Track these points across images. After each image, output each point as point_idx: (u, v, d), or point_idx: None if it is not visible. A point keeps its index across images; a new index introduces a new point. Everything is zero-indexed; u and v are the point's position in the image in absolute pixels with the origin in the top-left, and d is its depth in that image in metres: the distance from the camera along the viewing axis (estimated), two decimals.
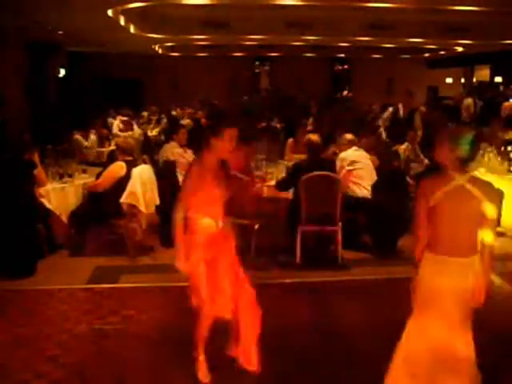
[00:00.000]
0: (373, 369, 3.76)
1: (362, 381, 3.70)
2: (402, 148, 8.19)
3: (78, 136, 10.67)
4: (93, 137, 10.93)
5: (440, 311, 2.98)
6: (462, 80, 19.72)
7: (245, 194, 5.84)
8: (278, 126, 14.41)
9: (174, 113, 14.70)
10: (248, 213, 5.82)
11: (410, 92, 9.92)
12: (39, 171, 6.03)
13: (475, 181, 2.93)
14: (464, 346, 2.98)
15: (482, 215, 2.89)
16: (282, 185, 6.17)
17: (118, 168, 6.14)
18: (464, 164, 2.90)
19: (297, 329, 4.48)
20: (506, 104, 13.41)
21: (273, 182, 6.49)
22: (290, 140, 8.80)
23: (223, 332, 3.82)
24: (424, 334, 3.03)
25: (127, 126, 12.03)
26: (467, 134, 2.89)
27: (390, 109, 9.57)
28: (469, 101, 14.92)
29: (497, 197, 3.00)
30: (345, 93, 20.36)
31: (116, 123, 12.21)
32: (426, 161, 7.88)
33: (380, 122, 9.53)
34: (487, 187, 2.94)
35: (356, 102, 18.27)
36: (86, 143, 10.62)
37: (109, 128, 11.85)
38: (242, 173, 5.82)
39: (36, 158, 6.04)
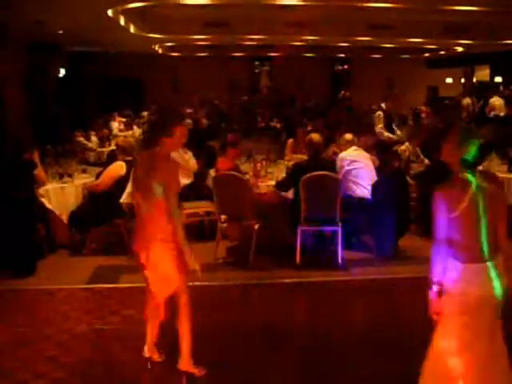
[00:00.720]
0: (373, 368, 3.77)
1: (362, 380, 3.70)
2: (402, 148, 8.19)
3: (80, 138, 10.71)
4: (94, 138, 10.96)
5: (474, 320, 2.78)
6: (462, 80, 19.72)
7: (245, 194, 5.85)
8: (278, 125, 14.43)
9: None
10: (248, 212, 5.82)
11: (392, 97, 10.08)
12: (39, 171, 6.03)
13: (485, 176, 2.80)
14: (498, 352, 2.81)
15: (500, 210, 2.78)
16: (282, 185, 6.17)
17: (118, 168, 6.15)
18: (471, 167, 2.76)
19: (296, 329, 4.48)
20: (492, 102, 13.42)
21: (273, 182, 6.50)
22: (291, 140, 8.80)
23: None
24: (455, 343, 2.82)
25: (127, 127, 12.07)
26: (478, 135, 2.78)
27: (381, 113, 9.55)
28: (468, 100, 14.95)
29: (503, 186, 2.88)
30: (341, 93, 20.31)
31: (115, 125, 12.26)
32: (427, 161, 7.88)
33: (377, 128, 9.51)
34: (495, 179, 2.84)
35: (354, 102, 18.28)
36: (89, 144, 10.65)
37: (109, 128, 11.88)
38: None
39: (36, 157, 6.04)
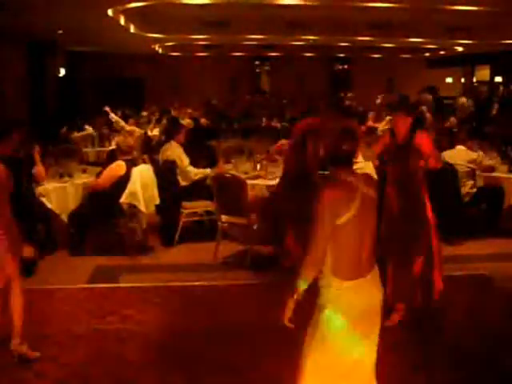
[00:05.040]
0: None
1: None
2: None
3: (77, 134, 10.76)
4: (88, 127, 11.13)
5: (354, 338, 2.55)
6: (462, 80, 19.72)
7: (243, 193, 5.85)
8: (279, 125, 14.41)
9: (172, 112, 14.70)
10: (246, 211, 5.82)
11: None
12: (38, 169, 6.04)
13: (365, 179, 2.57)
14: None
15: (376, 216, 2.56)
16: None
17: (118, 167, 6.15)
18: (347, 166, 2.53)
19: (297, 328, 4.47)
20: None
21: (273, 182, 6.49)
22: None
23: None
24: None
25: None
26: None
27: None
28: (463, 100, 14.98)
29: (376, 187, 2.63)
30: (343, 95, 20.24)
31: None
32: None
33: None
34: (373, 182, 2.62)
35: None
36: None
37: (111, 127, 11.86)
38: None
39: (37, 154, 6.05)
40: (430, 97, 14.40)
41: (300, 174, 4.01)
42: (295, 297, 2.48)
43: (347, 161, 2.54)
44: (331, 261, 2.45)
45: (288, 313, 2.56)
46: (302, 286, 2.44)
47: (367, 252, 2.51)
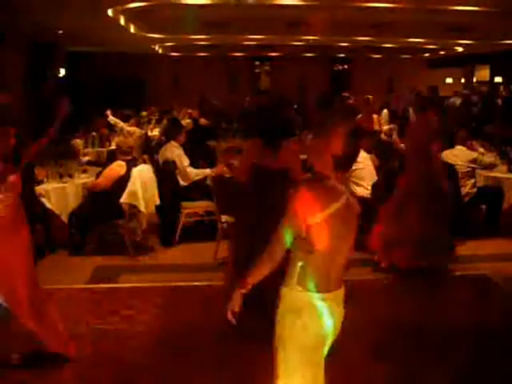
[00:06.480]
0: (367, 369, 3.77)
1: (360, 379, 3.70)
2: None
3: (77, 140, 10.74)
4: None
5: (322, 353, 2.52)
6: (462, 80, 19.72)
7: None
8: None
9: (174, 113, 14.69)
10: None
11: (367, 100, 10.33)
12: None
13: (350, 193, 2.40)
14: None
15: (354, 234, 2.40)
16: None
17: (118, 167, 6.16)
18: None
19: None
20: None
21: None
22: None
23: None
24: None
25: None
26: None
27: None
28: (456, 100, 15.00)
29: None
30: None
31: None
32: None
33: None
34: (354, 199, 2.42)
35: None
36: (84, 150, 10.69)
37: (111, 128, 11.86)
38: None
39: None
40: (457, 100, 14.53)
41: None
42: (243, 291, 2.42)
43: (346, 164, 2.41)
44: (300, 267, 2.28)
45: (234, 306, 2.49)
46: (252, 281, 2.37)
47: (338, 268, 2.38)
